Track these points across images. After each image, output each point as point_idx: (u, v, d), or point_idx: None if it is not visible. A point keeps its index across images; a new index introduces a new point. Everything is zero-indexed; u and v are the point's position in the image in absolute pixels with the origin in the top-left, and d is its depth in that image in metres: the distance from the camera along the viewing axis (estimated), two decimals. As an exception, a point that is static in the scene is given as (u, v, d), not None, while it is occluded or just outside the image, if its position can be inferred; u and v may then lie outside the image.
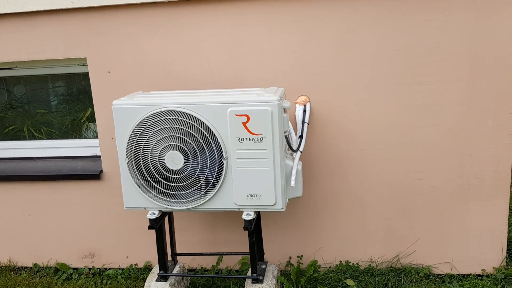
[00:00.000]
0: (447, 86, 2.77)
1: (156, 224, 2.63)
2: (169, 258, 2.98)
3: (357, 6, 2.72)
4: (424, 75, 2.77)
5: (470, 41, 2.69)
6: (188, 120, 2.39)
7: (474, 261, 3.03)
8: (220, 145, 2.41)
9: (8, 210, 3.39)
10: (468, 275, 3.05)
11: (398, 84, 2.81)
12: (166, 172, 2.48)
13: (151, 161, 2.48)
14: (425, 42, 2.72)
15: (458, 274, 3.05)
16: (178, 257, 3.25)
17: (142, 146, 2.47)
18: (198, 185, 2.48)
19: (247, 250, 3.20)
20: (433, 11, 2.67)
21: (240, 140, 2.38)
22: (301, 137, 2.78)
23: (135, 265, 3.36)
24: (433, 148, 2.88)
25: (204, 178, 2.46)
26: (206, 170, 2.45)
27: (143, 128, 2.45)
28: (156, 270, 2.93)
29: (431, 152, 2.89)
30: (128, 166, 2.52)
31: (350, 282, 2.96)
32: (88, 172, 3.18)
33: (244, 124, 2.36)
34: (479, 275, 3.04)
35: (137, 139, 2.47)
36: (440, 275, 3.06)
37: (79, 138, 3.45)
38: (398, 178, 2.96)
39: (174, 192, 2.52)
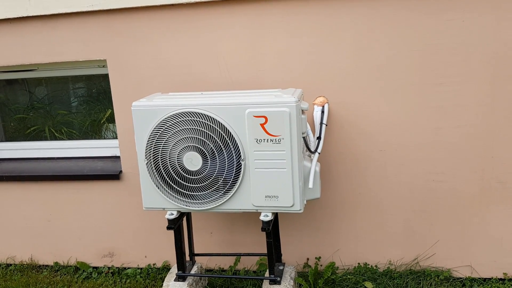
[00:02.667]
0: (468, 87, 2.73)
1: (174, 225, 2.65)
2: (187, 258, 3.00)
3: (377, 6, 2.69)
4: (445, 75, 2.73)
5: (492, 41, 2.65)
6: (206, 122, 2.40)
7: (495, 264, 2.97)
8: (238, 146, 2.41)
9: (29, 209, 3.45)
10: (489, 278, 3.00)
11: (418, 84, 2.77)
12: (185, 173, 2.49)
13: (169, 162, 2.50)
14: (446, 42, 2.69)
15: (479, 278, 3.01)
16: (196, 257, 3.27)
17: (161, 147, 2.49)
18: (216, 186, 2.49)
19: (265, 251, 3.20)
20: (454, 11, 2.64)
21: (258, 141, 2.38)
22: (319, 138, 2.77)
23: (154, 264, 3.39)
24: (454, 149, 2.84)
25: (222, 179, 2.47)
26: (224, 171, 2.46)
27: (162, 129, 2.47)
28: (174, 270, 2.95)
29: (452, 153, 2.85)
30: (147, 167, 2.54)
31: (368, 284, 2.94)
32: (108, 172, 3.21)
33: (262, 125, 2.36)
34: (500, 279, 2.98)
35: (156, 140, 2.49)
36: (461, 278, 3.02)
37: (99, 138, 3.49)
38: (418, 179, 2.93)
39: (192, 193, 2.53)
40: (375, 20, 2.72)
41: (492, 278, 2.99)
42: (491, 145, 2.80)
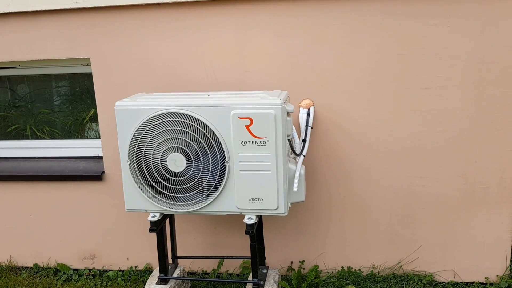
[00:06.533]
0: (453, 91, 2.75)
1: (157, 227, 2.61)
2: (170, 260, 2.96)
3: (363, 10, 2.70)
4: (430, 80, 2.75)
5: (477, 46, 2.67)
6: (191, 122, 2.38)
7: (477, 269, 2.99)
8: (222, 148, 2.39)
9: (9, 209, 3.38)
10: (471, 283, 3.02)
11: (403, 89, 2.78)
12: (168, 174, 2.46)
13: (153, 163, 2.46)
14: (431, 47, 2.70)
15: (461, 282, 3.02)
16: (179, 260, 3.23)
17: (144, 148, 2.46)
18: (200, 188, 2.46)
19: (248, 254, 3.18)
20: (440, 16, 2.65)
21: (243, 143, 2.36)
22: (304, 141, 2.76)
23: (135, 267, 3.34)
24: (438, 154, 2.85)
25: (206, 181, 2.44)
26: (208, 173, 2.43)
27: (145, 130, 2.43)
28: (156, 272, 2.91)
29: (436, 158, 2.86)
30: (130, 168, 2.50)
31: (351, 288, 2.94)
32: (90, 173, 3.16)
33: (247, 127, 2.34)
34: (482, 284, 3.00)
35: (140, 141, 2.45)
36: (443, 282, 3.03)
37: (81, 138, 3.44)
38: (402, 183, 2.93)
39: (175, 195, 2.50)
40: (362, 23, 2.72)
41: (474, 282, 3.01)
42: (474, 150, 2.82)
